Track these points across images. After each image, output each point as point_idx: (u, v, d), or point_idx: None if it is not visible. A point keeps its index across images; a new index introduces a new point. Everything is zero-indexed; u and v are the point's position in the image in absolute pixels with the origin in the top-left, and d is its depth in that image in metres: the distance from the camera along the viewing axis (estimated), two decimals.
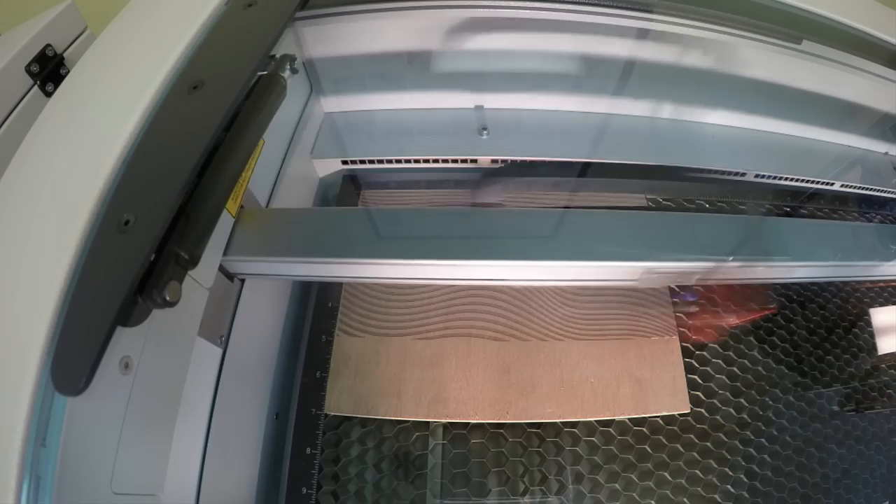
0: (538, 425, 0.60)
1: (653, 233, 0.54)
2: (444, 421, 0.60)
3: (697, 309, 0.61)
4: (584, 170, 0.78)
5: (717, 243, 0.53)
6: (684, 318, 0.67)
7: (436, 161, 0.74)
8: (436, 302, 0.67)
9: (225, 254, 0.50)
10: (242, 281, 0.55)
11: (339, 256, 0.51)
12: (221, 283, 0.51)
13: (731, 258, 0.52)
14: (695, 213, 0.67)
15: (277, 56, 0.50)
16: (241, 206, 0.53)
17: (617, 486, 0.58)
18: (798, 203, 0.86)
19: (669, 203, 0.80)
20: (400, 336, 0.64)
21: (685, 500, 0.58)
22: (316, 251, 0.51)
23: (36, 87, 0.67)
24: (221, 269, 0.50)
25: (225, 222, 0.51)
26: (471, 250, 0.50)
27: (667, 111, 0.81)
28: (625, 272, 0.53)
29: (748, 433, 0.62)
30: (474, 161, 0.75)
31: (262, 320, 0.60)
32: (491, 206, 0.76)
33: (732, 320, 0.54)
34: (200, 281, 0.47)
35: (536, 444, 0.60)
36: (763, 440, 0.62)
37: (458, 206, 0.67)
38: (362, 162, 0.75)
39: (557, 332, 0.66)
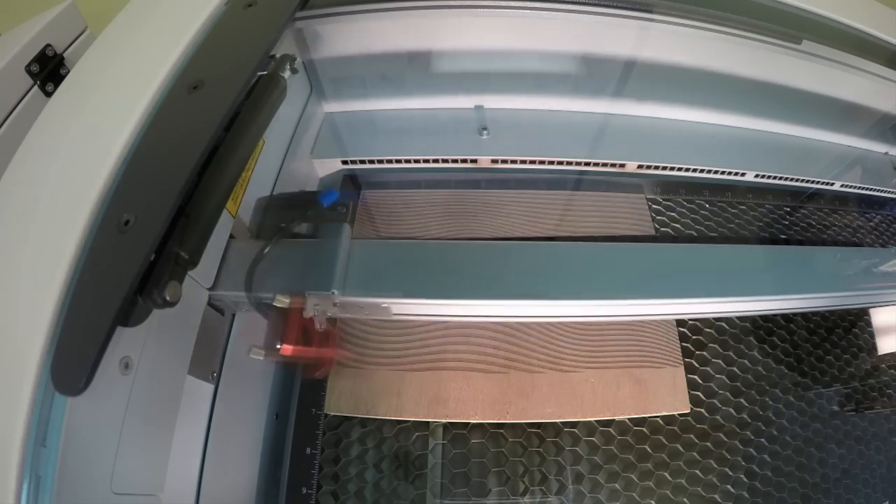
0: (538, 425, 0.60)
1: (660, 269, 0.53)
2: (444, 421, 0.60)
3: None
4: (584, 170, 0.78)
5: (726, 279, 0.52)
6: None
7: (436, 161, 0.74)
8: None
9: (213, 289, 0.48)
10: (233, 314, 0.53)
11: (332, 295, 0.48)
12: (211, 316, 0.49)
13: (741, 296, 0.51)
14: (704, 245, 0.64)
15: (277, 56, 0.50)
16: (232, 237, 0.51)
17: (617, 486, 0.58)
18: (798, 203, 0.86)
19: (670, 203, 0.80)
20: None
21: (685, 500, 0.58)
22: (307, 287, 0.49)
23: (36, 87, 0.67)
24: (210, 303, 0.48)
25: (225, 222, 0.51)
26: (468, 290, 0.48)
27: (667, 111, 0.81)
28: (630, 309, 0.52)
29: (748, 433, 0.62)
30: (474, 161, 0.75)
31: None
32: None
33: None
34: (200, 281, 0.47)
35: (536, 444, 0.60)
36: (763, 440, 0.62)
37: (455, 241, 0.64)
38: (362, 162, 0.75)
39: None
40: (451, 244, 0.59)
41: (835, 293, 0.57)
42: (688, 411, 0.62)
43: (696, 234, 0.78)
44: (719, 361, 0.66)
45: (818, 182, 0.83)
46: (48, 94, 0.68)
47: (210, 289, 0.48)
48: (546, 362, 0.63)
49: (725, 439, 0.61)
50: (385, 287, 0.50)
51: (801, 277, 0.56)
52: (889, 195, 0.86)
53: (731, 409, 0.63)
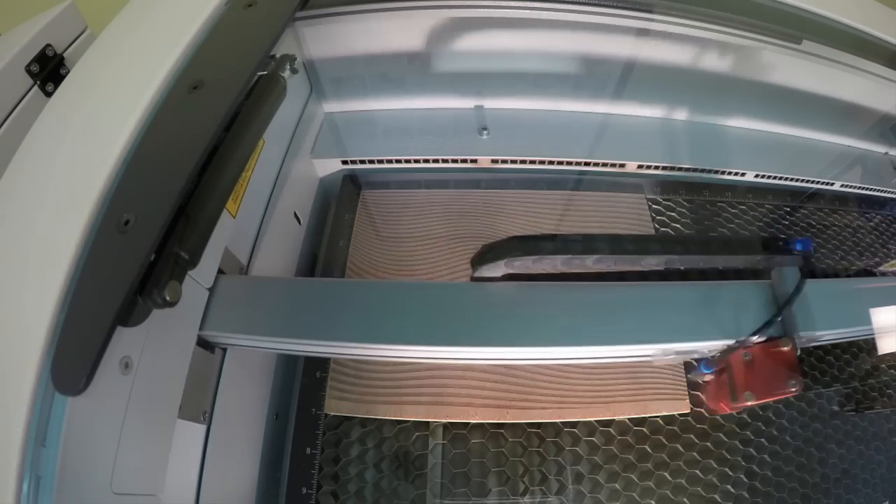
0: (538, 425, 0.60)
1: (668, 311, 0.50)
2: (444, 421, 0.60)
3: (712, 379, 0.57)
4: (584, 170, 0.78)
5: (737, 319, 0.49)
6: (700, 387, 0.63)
7: (436, 161, 0.74)
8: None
9: (202, 329, 0.46)
10: (224, 350, 0.51)
11: (325, 339, 0.47)
12: (201, 355, 0.47)
13: (754, 337, 0.48)
14: (712, 283, 0.61)
15: (277, 56, 0.50)
16: (221, 271, 0.49)
17: (617, 486, 0.58)
18: (798, 203, 0.86)
19: (670, 203, 0.80)
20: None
21: (685, 500, 0.58)
22: (299, 331, 0.47)
23: (36, 87, 0.67)
24: (200, 341, 0.47)
25: (225, 222, 0.51)
26: (466, 336, 0.46)
27: (667, 111, 0.81)
28: (637, 352, 0.50)
29: (748, 433, 0.62)
30: (474, 161, 0.75)
31: (252, 364, 0.57)
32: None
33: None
34: (200, 281, 0.47)
35: (536, 444, 0.60)
36: (763, 440, 0.62)
37: (453, 282, 0.59)
38: (362, 162, 0.75)
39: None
40: (423, 284, 0.56)
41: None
42: (688, 411, 0.62)
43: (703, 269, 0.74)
44: None
45: (818, 182, 0.83)
46: (48, 94, 0.68)
47: (200, 329, 0.46)
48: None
49: (725, 439, 0.61)
50: (363, 332, 0.47)
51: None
52: (889, 195, 0.86)
53: None
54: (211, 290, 0.48)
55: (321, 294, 0.51)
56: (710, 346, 0.51)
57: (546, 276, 0.68)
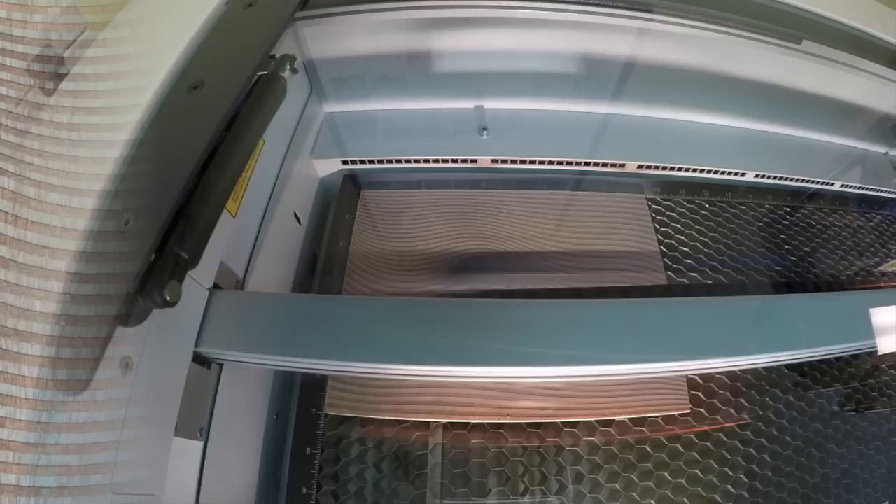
0: (538, 425, 0.60)
1: (667, 329, 0.49)
2: (444, 421, 0.60)
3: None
4: (583, 170, 0.78)
5: (735, 337, 0.49)
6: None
7: (436, 161, 0.75)
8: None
9: (198, 345, 0.46)
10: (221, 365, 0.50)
11: (321, 358, 0.46)
12: (196, 371, 0.46)
13: (753, 355, 0.48)
14: (711, 300, 0.61)
15: (277, 56, 0.50)
16: (216, 285, 0.48)
17: (617, 486, 0.58)
18: (798, 203, 0.86)
19: (670, 203, 0.80)
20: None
21: (685, 500, 0.58)
22: (296, 349, 0.46)
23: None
24: (195, 358, 0.46)
25: (225, 222, 0.51)
26: (469, 356, 0.45)
27: (667, 111, 0.81)
28: (635, 370, 0.49)
29: (748, 433, 0.62)
30: (474, 161, 0.75)
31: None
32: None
33: None
34: (200, 281, 0.47)
35: (536, 444, 0.60)
36: (763, 440, 0.62)
37: (454, 299, 0.58)
38: (362, 162, 0.75)
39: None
40: (423, 302, 0.55)
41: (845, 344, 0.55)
42: (688, 411, 0.62)
43: (709, 284, 0.73)
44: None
45: (818, 182, 0.83)
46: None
47: (196, 345, 0.46)
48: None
49: (725, 439, 0.61)
50: (361, 351, 0.46)
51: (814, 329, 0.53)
52: (889, 195, 0.87)
53: (731, 409, 0.63)
54: (206, 305, 0.47)
55: (317, 311, 0.50)
56: (708, 364, 0.50)
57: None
